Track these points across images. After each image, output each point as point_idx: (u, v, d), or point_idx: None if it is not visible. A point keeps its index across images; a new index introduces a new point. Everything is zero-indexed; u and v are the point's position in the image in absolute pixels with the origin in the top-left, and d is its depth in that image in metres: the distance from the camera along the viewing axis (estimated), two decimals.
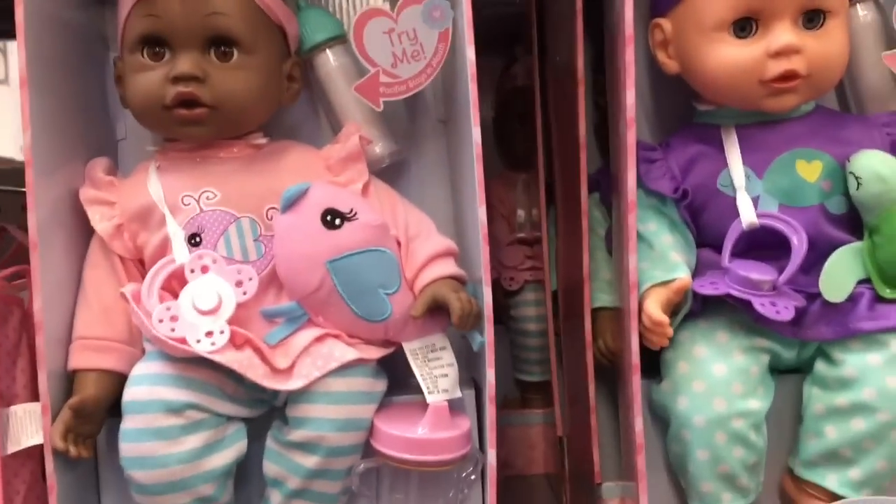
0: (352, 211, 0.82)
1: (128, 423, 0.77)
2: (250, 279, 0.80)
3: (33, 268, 0.79)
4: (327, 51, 0.92)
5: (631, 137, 0.81)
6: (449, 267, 0.85)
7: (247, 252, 0.83)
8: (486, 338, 0.80)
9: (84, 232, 0.86)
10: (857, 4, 0.90)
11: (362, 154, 0.88)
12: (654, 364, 0.85)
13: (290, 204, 0.82)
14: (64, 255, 0.84)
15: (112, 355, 0.82)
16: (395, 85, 0.87)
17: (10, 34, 0.79)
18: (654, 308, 0.79)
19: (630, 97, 0.81)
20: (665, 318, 0.79)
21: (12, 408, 0.81)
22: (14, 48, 0.81)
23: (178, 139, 0.86)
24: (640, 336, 0.81)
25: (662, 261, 0.84)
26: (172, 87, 0.81)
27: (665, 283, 0.82)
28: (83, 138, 0.89)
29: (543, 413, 1.13)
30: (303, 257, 0.81)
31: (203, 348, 0.76)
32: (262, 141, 0.88)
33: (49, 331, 0.80)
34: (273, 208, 0.84)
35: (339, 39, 0.93)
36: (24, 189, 0.79)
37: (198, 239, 0.83)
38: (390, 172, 0.93)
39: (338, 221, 0.82)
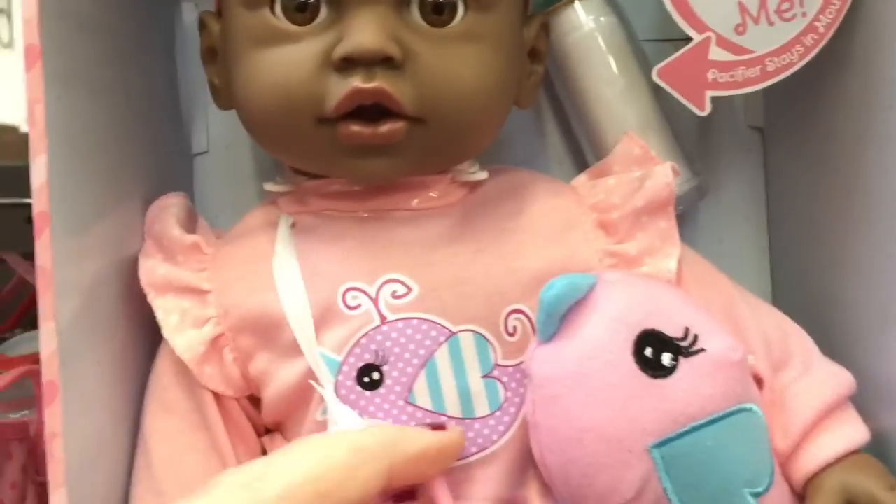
0: (687, 334, 0.40)
1: None
2: (487, 468, 0.39)
3: (50, 423, 0.38)
4: (576, 5, 0.51)
5: None
6: (856, 430, 0.43)
7: (470, 400, 0.42)
8: None
9: (143, 340, 0.46)
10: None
11: (672, 199, 0.46)
12: None
13: (559, 319, 0.40)
14: (104, 386, 0.43)
15: None
16: (738, 66, 0.46)
17: None
18: None
19: None
20: None
21: None
22: (19, 4, 0.39)
23: (329, 175, 0.45)
24: None
25: None
26: (340, 80, 0.40)
27: None
28: (138, 159, 0.48)
29: None
30: (598, 437, 0.39)
31: None
32: (481, 175, 0.46)
33: None
34: (517, 311, 0.43)
35: None
36: (26, 200, 0.39)
37: (377, 375, 0.42)
38: None
39: (667, 359, 0.40)
